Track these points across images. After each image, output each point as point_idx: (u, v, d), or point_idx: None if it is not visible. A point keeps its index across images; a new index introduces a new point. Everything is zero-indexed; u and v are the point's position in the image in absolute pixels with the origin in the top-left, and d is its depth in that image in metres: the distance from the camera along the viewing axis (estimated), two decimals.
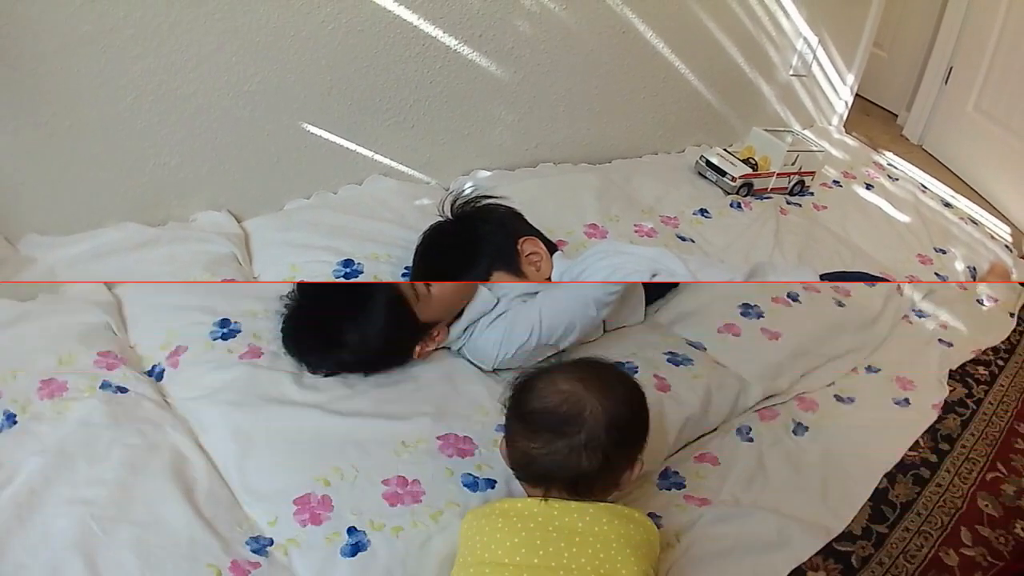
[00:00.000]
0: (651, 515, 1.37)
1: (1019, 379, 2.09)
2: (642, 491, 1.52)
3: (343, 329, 1.46)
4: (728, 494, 1.55)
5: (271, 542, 1.24)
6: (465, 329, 1.59)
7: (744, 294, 2.02)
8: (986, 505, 1.65)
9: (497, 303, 1.59)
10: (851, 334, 2.04)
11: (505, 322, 1.57)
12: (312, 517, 1.26)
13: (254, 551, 1.21)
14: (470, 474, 1.36)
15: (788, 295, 2.06)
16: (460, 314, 1.58)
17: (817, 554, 1.45)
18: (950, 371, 2.05)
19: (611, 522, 1.17)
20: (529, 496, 1.24)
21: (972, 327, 2.25)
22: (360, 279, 1.57)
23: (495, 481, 1.36)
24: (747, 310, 1.98)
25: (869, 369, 2.00)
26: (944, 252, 2.56)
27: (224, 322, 1.57)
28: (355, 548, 1.22)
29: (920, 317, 2.26)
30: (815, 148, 2.68)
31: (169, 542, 1.18)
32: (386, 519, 1.27)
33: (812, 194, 2.70)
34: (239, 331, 1.57)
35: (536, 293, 1.61)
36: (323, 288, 1.48)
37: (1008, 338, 2.25)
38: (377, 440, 1.39)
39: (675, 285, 2.01)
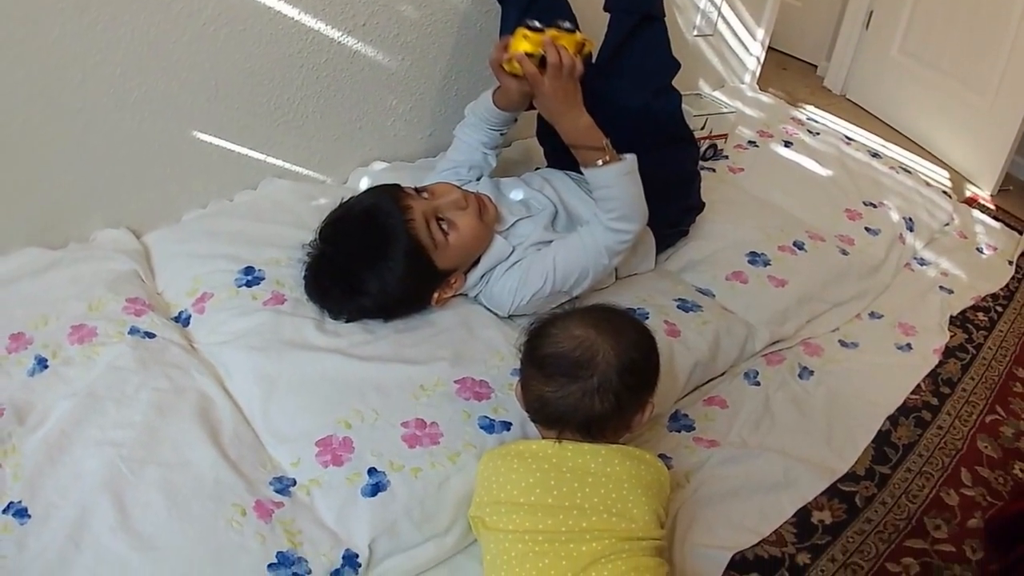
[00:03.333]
0: (661, 456, 1.35)
1: (1017, 325, 2.04)
2: (653, 433, 1.50)
3: (364, 277, 1.42)
4: (736, 436, 1.53)
5: (294, 482, 1.22)
6: (482, 276, 1.55)
7: (752, 243, 1.97)
8: (985, 447, 1.62)
9: (512, 251, 1.55)
10: (855, 281, 1.99)
11: (520, 270, 1.53)
12: (334, 458, 1.23)
13: (277, 491, 1.19)
14: (486, 417, 1.33)
15: (794, 244, 2.00)
16: (477, 262, 1.54)
17: (822, 494, 1.44)
18: (951, 317, 2.00)
19: (623, 463, 1.15)
20: (543, 438, 1.21)
21: (972, 275, 2.20)
22: (262, 286, 1.52)
23: (510, 423, 1.33)
24: (754, 258, 1.92)
25: (872, 315, 1.95)
26: (875, 206, 2.32)
27: (248, 269, 1.54)
28: (375, 488, 1.20)
29: (922, 265, 2.20)
30: (725, 110, 2.46)
31: (195, 482, 1.16)
32: (405, 460, 1.24)
33: (727, 157, 2.45)
34: (263, 278, 1.53)
35: (551, 242, 1.56)
36: (344, 236, 1.45)
37: (1007, 285, 2.20)
38: (396, 384, 1.36)
39: (686, 234, 1.96)
